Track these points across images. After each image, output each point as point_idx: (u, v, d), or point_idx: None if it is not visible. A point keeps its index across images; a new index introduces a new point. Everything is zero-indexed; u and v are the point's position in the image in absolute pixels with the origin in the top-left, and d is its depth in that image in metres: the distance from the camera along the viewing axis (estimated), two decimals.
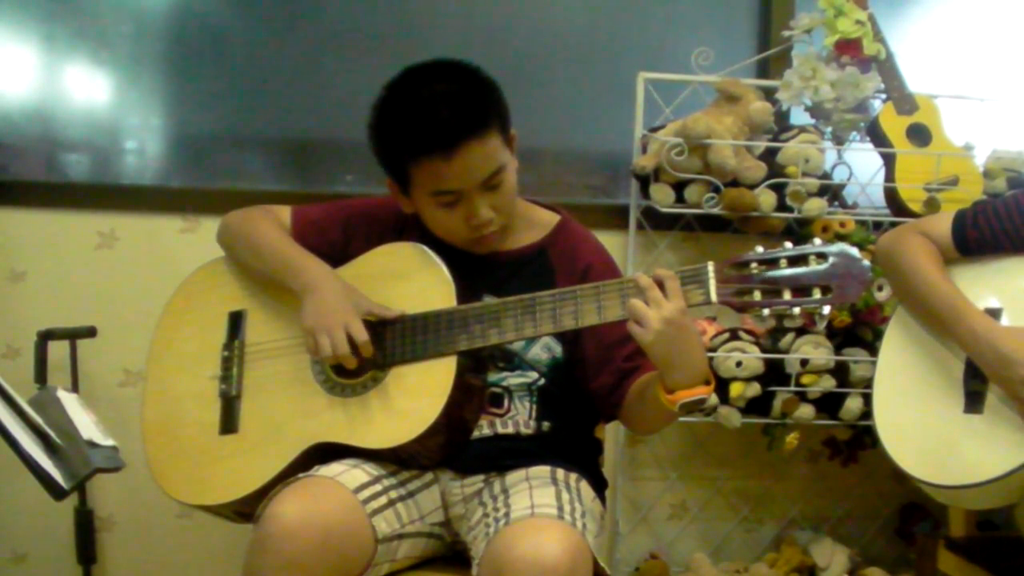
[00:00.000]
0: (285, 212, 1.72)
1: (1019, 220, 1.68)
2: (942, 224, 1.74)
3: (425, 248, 1.58)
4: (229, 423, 1.63)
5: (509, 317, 1.50)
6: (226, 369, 1.65)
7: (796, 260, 1.39)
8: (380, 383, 1.54)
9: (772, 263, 1.40)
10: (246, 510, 1.53)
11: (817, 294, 1.37)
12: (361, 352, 1.51)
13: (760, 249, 1.42)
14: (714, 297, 1.40)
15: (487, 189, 1.54)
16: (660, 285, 1.40)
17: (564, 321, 1.47)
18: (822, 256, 1.38)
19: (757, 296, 1.39)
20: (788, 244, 1.41)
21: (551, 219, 1.70)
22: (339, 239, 1.68)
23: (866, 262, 1.39)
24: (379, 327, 1.54)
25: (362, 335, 1.50)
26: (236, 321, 1.68)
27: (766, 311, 1.39)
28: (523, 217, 1.68)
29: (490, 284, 1.60)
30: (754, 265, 1.40)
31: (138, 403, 1.73)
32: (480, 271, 1.62)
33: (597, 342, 1.59)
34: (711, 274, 1.41)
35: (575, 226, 1.71)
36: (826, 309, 1.38)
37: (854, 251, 1.38)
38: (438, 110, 1.49)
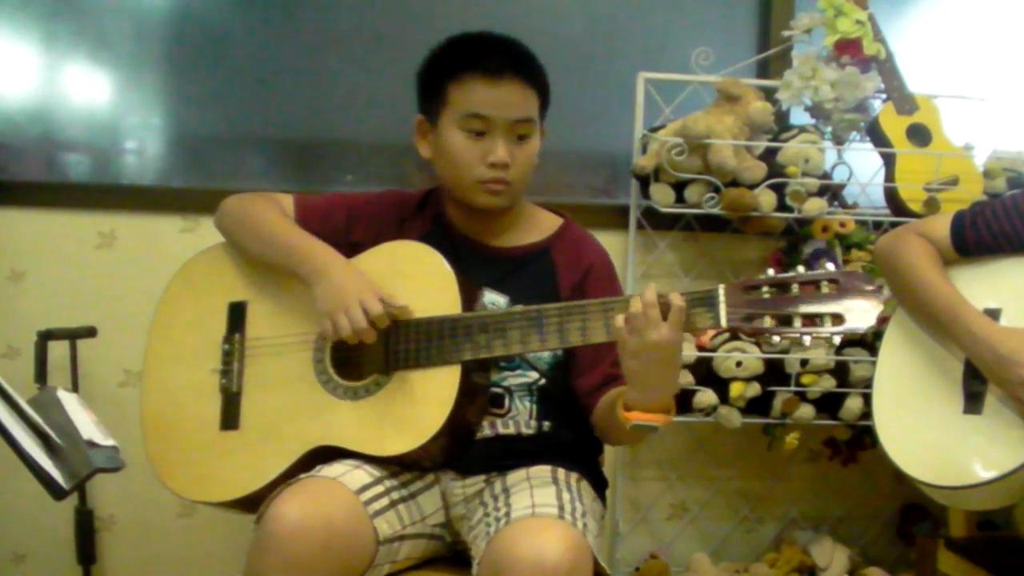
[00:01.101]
0: (287, 199, 1.71)
1: (1018, 221, 1.68)
2: (940, 225, 1.74)
3: (432, 250, 1.57)
4: (230, 419, 1.62)
5: (515, 329, 1.49)
6: (227, 363, 1.65)
7: (808, 285, 1.37)
8: (383, 388, 1.53)
9: (783, 287, 1.38)
10: (248, 501, 1.53)
11: (828, 322, 1.35)
12: (377, 326, 1.50)
13: (771, 272, 1.40)
14: (724, 322, 1.39)
15: (514, 137, 1.57)
16: (665, 305, 1.37)
17: (571, 336, 1.47)
18: (834, 283, 1.36)
19: (768, 322, 1.37)
20: (801, 268, 1.39)
21: (555, 221, 1.71)
22: (341, 226, 1.68)
23: (878, 290, 1.36)
24: (384, 330, 1.54)
25: (377, 307, 1.48)
26: (237, 313, 1.67)
27: (776, 338, 1.38)
28: (527, 216, 1.69)
29: (490, 279, 1.61)
30: (765, 289, 1.38)
31: (138, 403, 1.72)
32: (482, 266, 1.62)
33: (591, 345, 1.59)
34: (722, 298, 1.39)
35: (578, 229, 1.72)
36: (837, 339, 1.36)
37: (867, 277, 1.36)
38: (495, 45, 1.59)
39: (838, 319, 1.35)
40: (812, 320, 1.36)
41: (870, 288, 1.36)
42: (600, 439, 1.66)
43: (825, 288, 1.36)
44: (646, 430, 1.43)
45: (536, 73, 1.61)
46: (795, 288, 1.37)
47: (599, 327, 1.45)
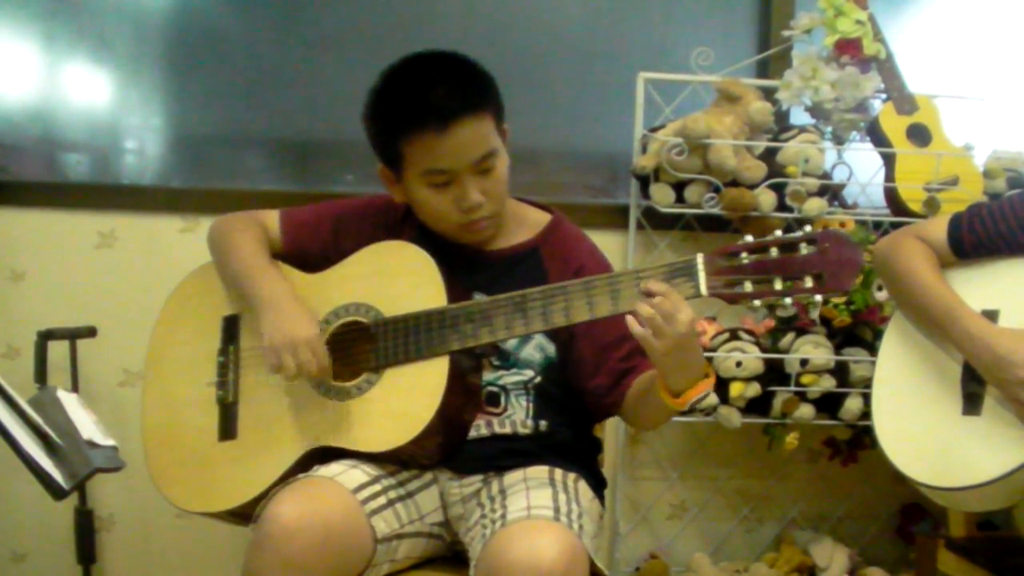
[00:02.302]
0: (272, 218, 1.72)
1: (1014, 222, 1.68)
2: (938, 228, 1.74)
3: (416, 247, 1.58)
4: (227, 429, 1.63)
5: (500, 316, 1.49)
6: (222, 375, 1.65)
7: (786, 247, 1.36)
8: (374, 385, 1.54)
9: (762, 251, 1.37)
10: (245, 512, 1.53)
11: (809, 282, 1.34)
12: (323, 375, 1.52)
13: (750, 238, 1.39)
14: (704, 290, 1.38)
15: (478, 173, 1.54)
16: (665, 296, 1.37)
17: (554, 318, 1.47)
18: (812, 242, 1.35)
19: (748, 287, 1.37)
20: (778, 232, 1.38)
21: (543, 218, 1.69)
22: (329, 238, 1.69)
23: (857, 248, 1.35)
24: (371, 329, 1.54)
25: (325, 360, 1.51)
26: (230, 326, 1.68)
27: (757, 302, 1.37)
28: (515, 216, 1.68)
29: (481, 283, 1.60)
30: (744, 255, 1.38)
31: (138, 403, 1.73)
32: (471, 269, 1.62)
33: (592, 343, 1.59)
34: (700, 266, 1.39)
35: (568, 226, 1.70)
36: (818, 297, 1.35)
37: (845, 235, 1.35)
38: (434, 87, 1.51)
39: (819, 279, 1.34)
40: (793, 282, 1.35)
41: (849, 246, 1.34)
42: (635, 427, 1.65)
43: (804, 249, 1.35)
44: (702, 400, 1.44)
45: (484, 96, 1.54)
46: (774, 251, 1.36)
47: (582, 306, 1.45)
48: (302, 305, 1.56)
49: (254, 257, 1.64)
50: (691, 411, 1.46)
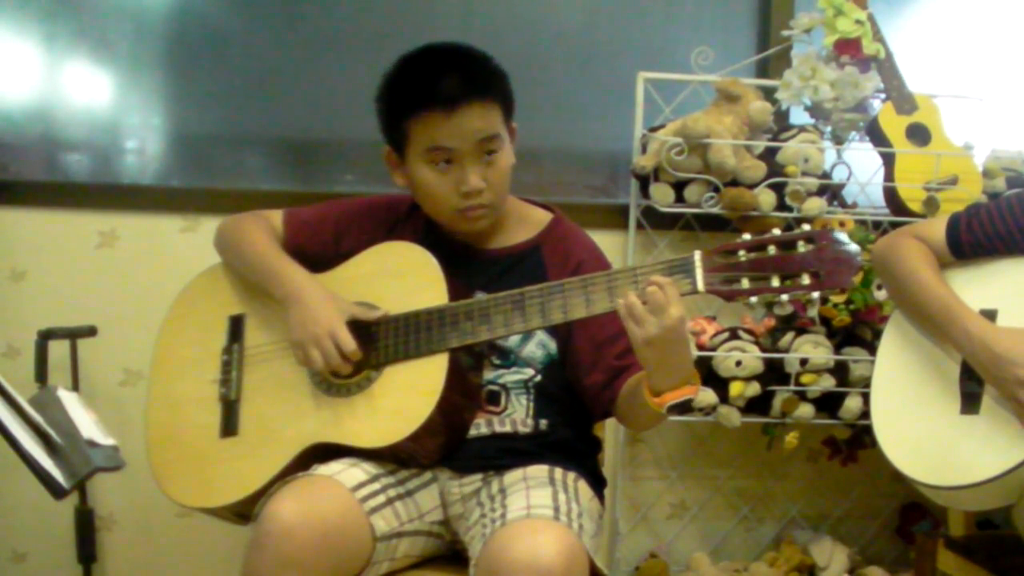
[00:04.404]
0: (277, 216, 1.73)
1: (1012, 223, 1.68)
2: (936, 228, 1.75)
3: (418, 247, 1.59)
4: (229, 426, 1.63)
5: (499, 313, 1.50)
6: (226, 372, 1.66)
7: (784, 246, 1.37)
8: (374, 382, 1.54)
9: (760, 249, 1.38)
10: (245, 511, 1.53)
11: (806, 280, 1.35)
12: (350, 359, 1.52)
13: (748, 236, 1.40)
14: (701, 286, 1.39)
15: (480, 157, 1.55)
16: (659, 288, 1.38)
17: (553, 315, 1.48)
18: (810, 241, 1.36)
19: (745, 284, 1.38)
20: (777, 231, 1.39)
21: (544, 217, 1.70)
22: (330, 238, 1.70)
23: (855, 246, 1.37)
24: (372, 326, 1.55)
25: (349, 344, 1.51)
26: (236, 325, 1.70)
27: (754, 299, 1.38)
28: (516, 215, 1.69)
29: (483, 282, 1.61)
30: (742, 252, 1.39)
31: (139, 402, 1.73)
32: (473, 269, 1.62)
33: (589, 340, 1.59)
34: (698, 263, 1.40)
35: (568, 224, 1.71)
36: (815, 295, 1.36)
37: (843, 235, 1.36)
38: (446, 73, 1.53)
39: (816, 277, 1.35)
40: (790, 279, 1.36)
41: (847, 245, 1.36)
42: (629, 428, 1.65)
43: (802, 247, 1.36)
44: (682, 406, 1.44)
45: (494, 85, 1.57)
46: (772, 249, 1.37)
47: (580, 303, 1.46)
48: (326, 293, 1.57)
49: (271, 249, 1.66)
50: (687, 411, 1.46)
